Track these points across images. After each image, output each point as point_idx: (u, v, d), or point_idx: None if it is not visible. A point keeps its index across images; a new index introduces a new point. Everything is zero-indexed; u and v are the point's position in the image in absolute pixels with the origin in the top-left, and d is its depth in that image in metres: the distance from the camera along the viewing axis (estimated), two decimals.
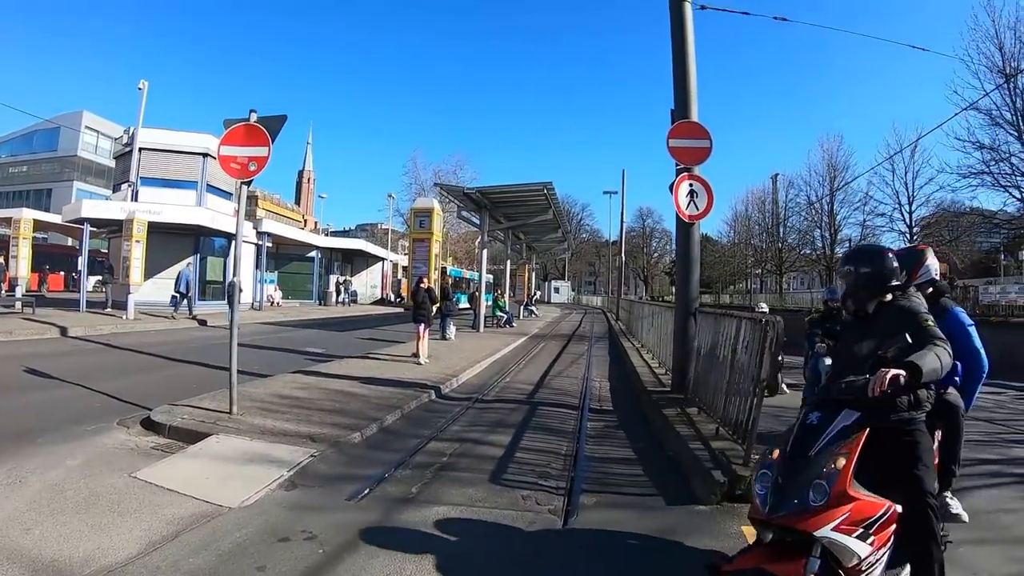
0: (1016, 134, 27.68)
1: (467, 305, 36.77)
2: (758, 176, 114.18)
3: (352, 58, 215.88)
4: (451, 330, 19.80)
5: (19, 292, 23.75)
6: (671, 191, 9.44)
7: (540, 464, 6.58)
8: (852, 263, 3.72)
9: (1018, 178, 28.32)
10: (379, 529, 4.68)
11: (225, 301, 25.66)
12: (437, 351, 15.60)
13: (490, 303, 30.61)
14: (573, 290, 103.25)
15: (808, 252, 50.36)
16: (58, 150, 56.37)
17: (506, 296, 31.93)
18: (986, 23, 27.92)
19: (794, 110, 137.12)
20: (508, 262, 35.16)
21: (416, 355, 14.10)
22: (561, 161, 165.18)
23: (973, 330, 4.18)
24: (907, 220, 38.71)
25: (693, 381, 9.24)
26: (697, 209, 9.41)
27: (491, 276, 42.92)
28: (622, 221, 49.72)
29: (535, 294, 45.92)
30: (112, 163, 38.20)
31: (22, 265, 24.80)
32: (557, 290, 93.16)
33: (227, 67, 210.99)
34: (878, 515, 2.90)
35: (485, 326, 26.00)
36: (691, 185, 9.37)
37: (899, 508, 3.03)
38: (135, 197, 26.04)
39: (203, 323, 22.48)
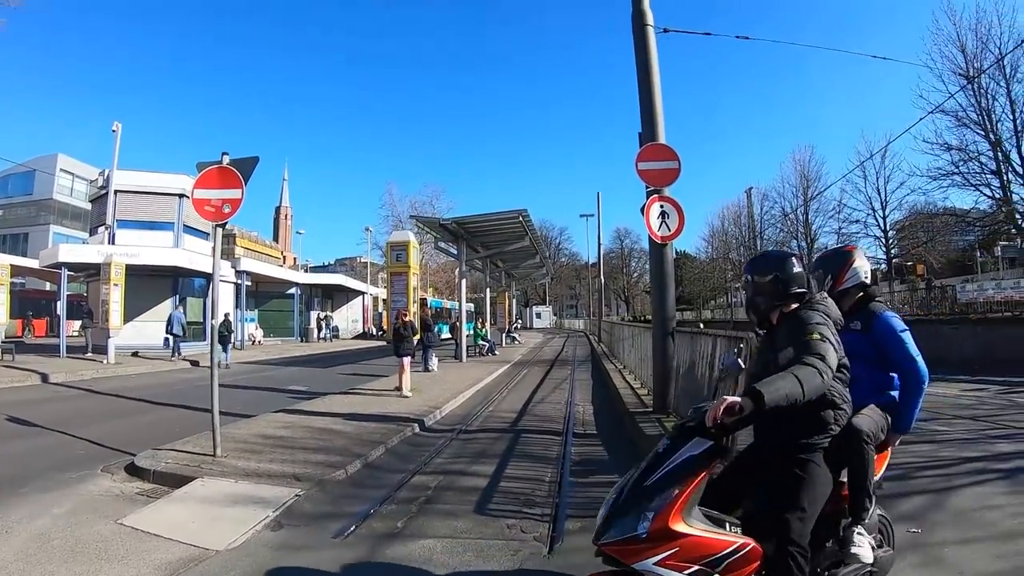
0: (983, 133, 28.47)
1: (449, 335, 36.79)
2: (733, 190, 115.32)
3: (325, 91, 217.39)
4: (433, 361, 19.80)
5: None
6: (643, 213, 9.59)
7: (525, 492, 6.63)
8: (750, 271, 3.52)
9: (988, 176, 29.08)
10: (366, 565, 4.72)
11: (206, 342, 25.87)
12: (420, 383, 15.60)
13: (471, 332, 30.67)
14: (555, 314, 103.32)
15: None
16: (33, 193, 55.84)
17: (487, 324, 31.97)
18: (948, 27, 28.81)
19: (766, 124, 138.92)
20: (488, 290, 35.30)
21: (399, 388, 14.09)
22: (538, 186, 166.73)
23: (907, 336, 3.73)
24: (881, 225, 39.48)
25: (675, 400, 9.35)
26: (669, 230, 9.55)
27: (471, 305, 43.02)
28: (599, 244, 50.07)
29: (516, 323, 45.93)
30: (88, 206, 38.05)
31: (0, 312, 24.55)
32: (539, 315, 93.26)
33: (200, 106, 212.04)
34: (726, 552, 2.68)
35: (468, 355, 25.99)
36: (662, 206, 9.52)
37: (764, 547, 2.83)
38: (112, 240, 25.97)
39: (195, 363, 22.53)
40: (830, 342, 2.97)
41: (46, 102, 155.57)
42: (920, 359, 3.64)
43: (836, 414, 3.13)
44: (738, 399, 2.59)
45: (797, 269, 3.34)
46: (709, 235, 64.39)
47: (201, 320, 29.17)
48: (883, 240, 39.57)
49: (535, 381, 19.00)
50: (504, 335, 39.32)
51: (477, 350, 29.20)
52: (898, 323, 3.75)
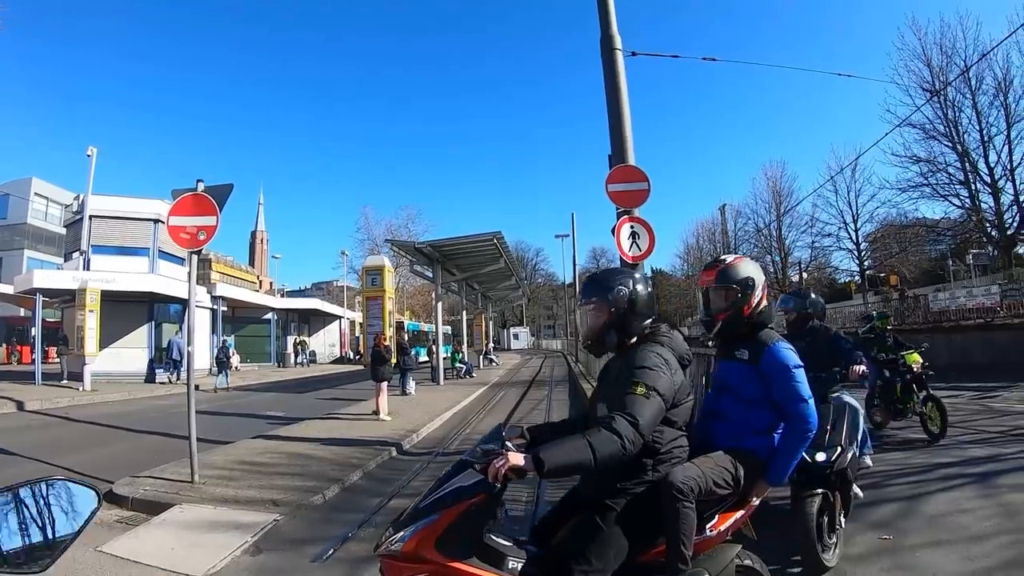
0: (950, 144, 29.14)
1: (426, 358, 36.77)
2: (708, 208, 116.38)
3: (300, 116, 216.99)
4: (411, 385, 19.79)
5: None
6: (613, 234, 9.75)
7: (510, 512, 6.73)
8: (583, 293, 3.20)
9: (956, 186, 29.71)
10: None
11: (181, 368, 25.69)
12: (398, 407, 15.64)
13: (448, 355, 30.66)
14: (532, 335, 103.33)
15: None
16: (7, 218, 55.15)
17: (464, 346, 32.02)
18: (913, 42, 29.51)
19: (738, 142, 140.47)
20: (464, 312, 35.36)
21: (377, 412, 14.13)
22: (513, 207, 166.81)
23: (800, 373, 3.24)
24: (853, 237, 39.91)
25: None
26: (640, 250, 9.68)
27: (448, 328, 43.02)
28: (575, 264, 50.17)
29: (490, 344, 45.94)
30: (63, 230, 37.76)
31: None
32: (516, 336, 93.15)
33: (176, 130, 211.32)
34: None
35: (445, 378, 25.97)
36: (632, 227, 9.66)
37: None
38: (87, 266, 25.74)
39: (196, 387, 22.30)
40: (656, 392, 2.69)
41: (20, 126, 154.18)
42: (811, 402, 3.19)
43: (656, 460, 2.82)
44: (522, 461, 2.45)
45: (638, 290, 3.04)
46: (684, 252, 65.10)
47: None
48: (856, 252, 40.12)
49: (512, 402, 19.09)
50: (481, 357, 39.28)
51: (455, 372, 29.21)
52: (790, 358, 3.28)
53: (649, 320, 3.08)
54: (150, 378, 25.91)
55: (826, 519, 4.36)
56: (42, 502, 1.59)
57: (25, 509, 1.55)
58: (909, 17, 32.09)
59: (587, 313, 3.09)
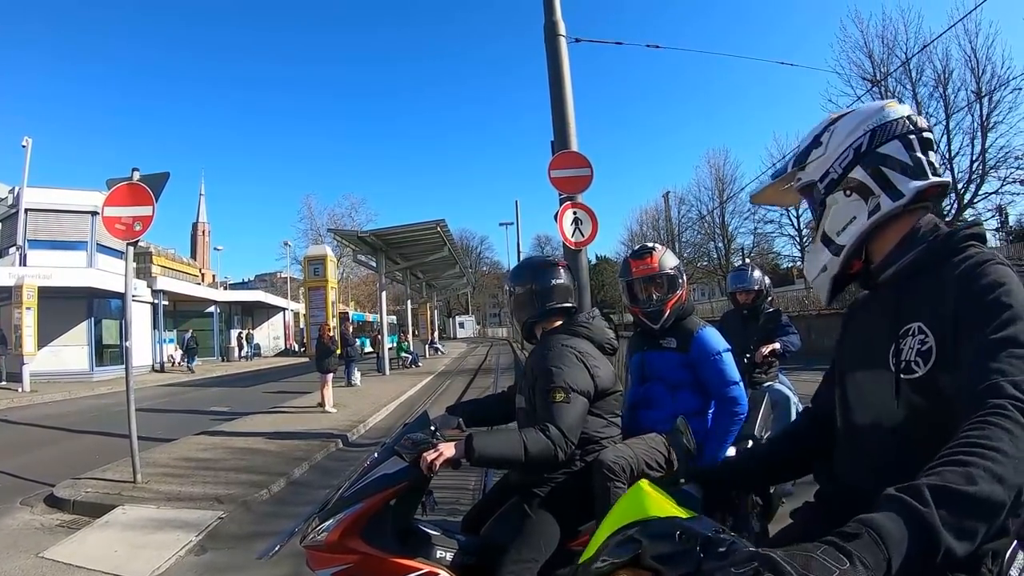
0: None
1: (371, 349, 36.56)
2: (651, 195, 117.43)
3: (241, 103, 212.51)
4: (356, 376, 19.78)
5: None
6: (556, 220, 9.83)
7: (449, 501, 6.79)
8: (508, 280, 3.29)
9: None
10: None
11: (123, 365, 25.10)
12: (343, 398, 15.61)
13: (394, 345, 30.59)
14: (478, 324, 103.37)
15: (705, 264, 51.85)
16: None
17: (410, 336, 31.98)
18: (855, 34, 30.03)
19: (681, 128, 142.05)
20: (409, 302, 35.26)
21: (322, 404, 14.08)
22: (457, 195, 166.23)
23: (727, 357, 3.34)
24: (795, 224, 40.73)
25: None
26: (583, 236, 9.77)
27: (393, 317, 42.82)
28: (519, 252, 50.17)
29: (436, 333, 45.93)
30: None
31: None
32: (462, 325, 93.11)
33: (113, 120, 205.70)
34: None
35: (391, 368, 25.96)
36: (575, 213, 9.73)
37: None
38: (23, 261, 24.82)
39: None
40: (575, 391, 2.66)
41: None
42: (739, 385, 3.29)
43: (584, 451, 2.78)
44: (454, 453, 2.41)
45: (558, 281, 3.05)
46: (628, 239, 65.38)
47: (118, 343, 28.15)
48: (798, 238, 40.91)
49: (459, 390, 19.18)
50: (427, 346, 39.36)
51: (400, 362, 29.22)
52: (716, 343, 3.37)
53: (563, 308, 3.05)
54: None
55: (730, 522, 4.13)
56: None
57: None
58: (852, 10, 32.66)
59: (515, 297, 3.12)
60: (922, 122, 1.59)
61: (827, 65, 28.83)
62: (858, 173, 1.58)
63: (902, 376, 1.43)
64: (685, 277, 3.61)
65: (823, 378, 1.91)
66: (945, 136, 28.41)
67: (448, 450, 2.41)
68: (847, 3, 33.98)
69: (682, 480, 1.92)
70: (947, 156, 28.55)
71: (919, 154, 1.55)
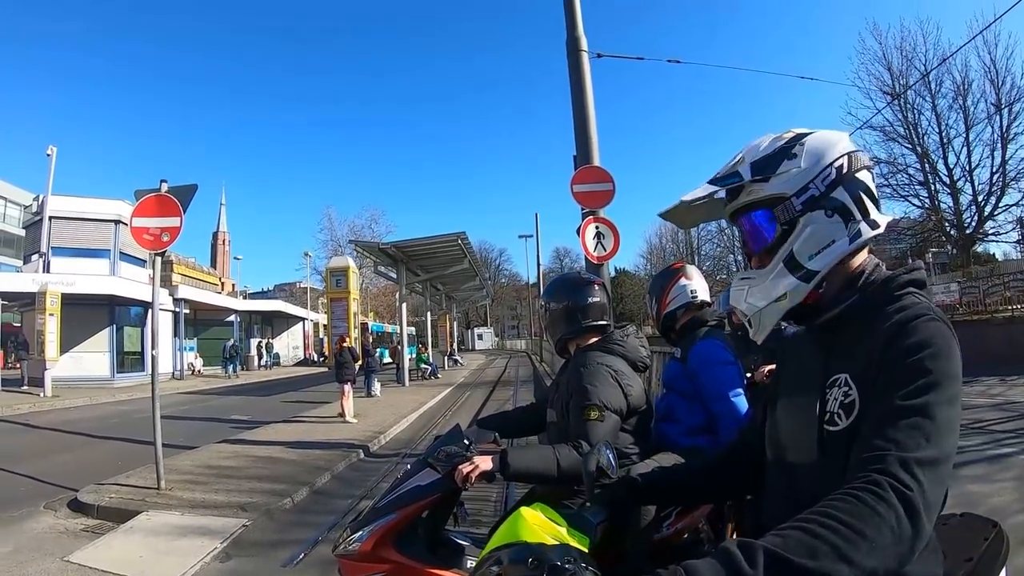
0: (910, 146, 29.71)
1: (391, 360, 36.61)
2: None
3: (262, 115, 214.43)
4: (376, 386, 19.76)
5: None
6: (578, 234, 9.81)
7: (472, 512, 6.76)
8: (544, 296, 3.27)
9: (916, 187, 30.31)
10: None
11: (144, 372, 25.41)
12: (363, 408, 15.67)
13: (413, 356, 30.60)
14: (497, 335, 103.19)
15: (724, 277, 51.57)
16: None
17: (429, 347, 31.99)
18: (874, 46, 30.05)
19: (700, 141, 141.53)
20: (429, 313, 35.28)
21: (342, 414, 14.10)
22: (477, 207, 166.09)
23: (728, 370, 3.19)
24: None
25: None
26: (604, 250, 9.74)
27: (413, 329, 42.86)
28: (539, 264, 50.20)
29: (455, 345, 45.94)
30: (22, 232, 36.95)
31: None
32: (480, 337, 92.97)
33: (137, 129, 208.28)
34: None
35: (410, 379, 25.91)
36: (597, 227, 9.70)
37: None
38: (47, 268, 25.15)
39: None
40: (608, 410, 2.68)
41: None
42: (739, 400, 3.10)
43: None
44: (490, 465, 2.44)
45: (594, 298, 3.05)
46: (648, 252, 65.39)
47: (140, 350, 28.51)
48: None
49: (478, 402, 19.20)
50: (446, 358, 39.33)
51: (420, 374, 29.13)
52: (718, 352, 3.22)
53: (599, 326, 3.06)
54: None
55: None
56: None
57: None
58: (870, 22, 32.57)
59: (550, 313, 3.12)
60: (870, 159, 1.54)
61: (847, 77, 28.73)
62: (839, 194, 1.47)
63: (824, 427, 1.40)
64: (673, 291, 3.54)
65: (756, 407, 1.87)
66: (965, 148, 28.31)
67: (483, 463, 2.43)
68: (866, 15, 33.82)
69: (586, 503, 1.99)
70: (967, 168, 28.37)
71: (873, 189, 1.51)
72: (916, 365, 1.23)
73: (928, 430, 1.17)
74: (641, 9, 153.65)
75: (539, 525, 1.66)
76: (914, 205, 31.55)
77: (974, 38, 20.13)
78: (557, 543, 1.47)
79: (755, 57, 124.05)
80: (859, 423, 1.29)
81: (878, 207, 1.48)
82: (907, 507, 1.08)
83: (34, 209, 28.15)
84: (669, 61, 12.95)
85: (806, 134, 1.54)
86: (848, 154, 1.48)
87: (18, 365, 24.44)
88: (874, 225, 1.46)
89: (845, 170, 1.47)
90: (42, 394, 20.53)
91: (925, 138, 29.82)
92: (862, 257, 1.51)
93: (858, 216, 1.46)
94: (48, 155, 25.65)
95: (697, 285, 3.50)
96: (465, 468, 2.41)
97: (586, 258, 9.92)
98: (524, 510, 1.70)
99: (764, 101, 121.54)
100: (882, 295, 1.41)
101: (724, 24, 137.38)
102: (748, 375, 4.53)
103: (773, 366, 4.78)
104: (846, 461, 1.27)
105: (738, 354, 3.41)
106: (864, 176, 1.48)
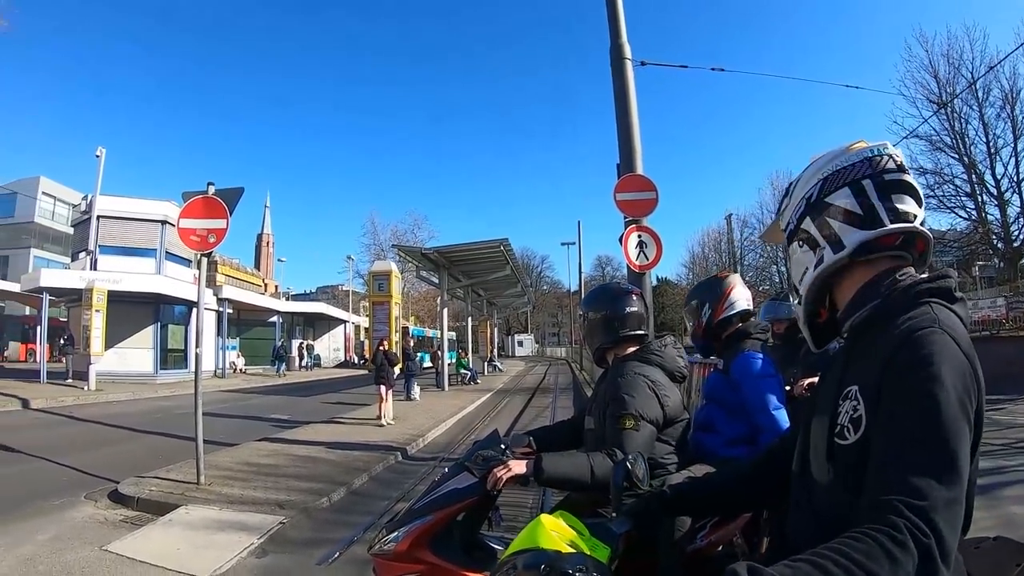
0: (957, 156, 28.97)
1: (430, 364, 36.72)
2: (714, 216, 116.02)
3: (308, 119, 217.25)
4: (415, 390, 19.80)
5: None
6: (621, 243, 9.70)
7: (508, 517, 6.69)
8: (583, 306, 3.29)
9: (963, 198, 29.56)
10: None
11: (186, 369, 25.81)
12: (402, 412, 15.69)
13: (453, 361, 30.62)
14: (537, 342, 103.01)
15: (767, 288, 50.95)
16: (15, 216, 55.08)
17: (469, 353, 32.02)
18: (920, 54, 29.34)
19: (744, 150, 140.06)
20: (469, 319, 35.34)
21: (381, 417, 14.15)
22: (519, 214, 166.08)
23: (768, 383, 3.14)
24: None
25: None
26: (647, 259, 9.63)
27: (453, 334, 42.99)
28: (580, 272, 50.02)
29: (495, 351, 45.96)
30: (70, 230, 37.87)
31: None
32: (520, 343, 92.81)
33: (184, 131, 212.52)
34: None
35: (449, 384, 25.89)
36: (640, 236, 9.60)
37: None
38: (94, 266, 25.82)
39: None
40: (645, 420, 2.70)
41: (29, 124, 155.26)
42: (780, 413, 3.04)
43: (652, 473, 2.54)
44: (524, 469, 2.45)
45: (632, 308, 3.07)
46: (690, 261, 64.79)
47: (183, 347, 29.07)
48: None
49: (517, 409, 19.10)
50: (486, 363, 39.38)
51: (459, 379, 29.17)
52: (759, 365, 3.19)
53: (637, 336, 3.07)
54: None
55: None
56: None
57: None
58: (916, 29, 31.92)
59: (589, 323, 3.14)
60: (889, 163, 1.48)
61: (892, 85, 28.17)
62: (807, 224, 1.56)
63: (835, 439, 1.36)
64: (719, 303, 3.49)
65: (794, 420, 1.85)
66: (1013, 158, 27.53)
67: (517, 467, 2.45)
68: (912, 22, 33.19)
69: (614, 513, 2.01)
70: (1015, 179, 27.62)
71: (874, 200, 1.45)
72: (919, 388, 1.19)
73: (939, 468, 1.13)
74: (687, 15, 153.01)
75: (558, 532, 1.68)
76: (960, 217, 30.62)
77: (1022, 44, 19.57)
78: (574, 551, 1.50)
79: (798, 64, 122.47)
80: (866, 440, 1.25)
81: (858, 223, 1.46)
82: (924, 554, 1.05)
83: (83, 208, 28.82)
84: (713, 69, 12.69)
85: (813, 162, 1.61)
86: (824, 177, 1.52)
87: (63, 359, 24.91)
88: (838, 247, 1.47)
89: (813, 198, 1.54)
90: (86, 388, 21.03)
91: (972, 148, 28.96)
92: (871, 270, 1.48)
93: (822, 243, 1.51)
94: (97, 156, 26.27)
95: (744, 295, 3.49)
96: (499, 471, 2.42)
97: (628, 267, 9.82)
98: (544, 517, 1.73)
99: (810, 109, 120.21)
100: (900, 303, 1.37)
101: (774, 31, 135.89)
102: (787, 388, 4.40)
103: (812, 380, 4.71)
104: (856, 476, 1.25)
105: (778, 367, 3.34)
106: (838, 196, 1.49)
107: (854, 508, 1.19)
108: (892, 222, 1.43)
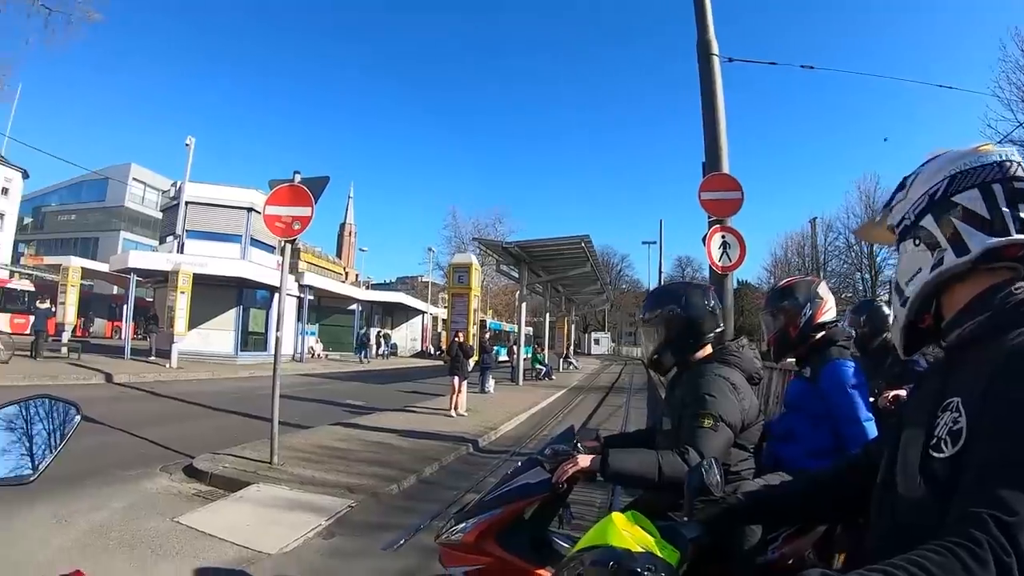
0: None
1: (506, 358, 36.77)
2: (798, 220, 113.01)
3: (394, 113, 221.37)
4: (490, 383, 19.79)
5: (65, 337, 24.21)
6: (704, 243, 9.46)
7: (577, 515, 6.54)
8: (642, 310, 3.10)
9: None
10: None
11: (266, 352, 26.42)
12: (476, 404, 15.69)
13: (529, 356, 30.55)
14: (613, 341, 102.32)
15: (849, 295, 49.32)
16: (106, 200, 57.62)
17: (545, 348, 31.89)
18: (1016, 53, 27.58)
19: (832, 153, 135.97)
20: (547, 314, 35.22)
21: (455, 408, 14.20)
22: (600, 212, 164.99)
23: (856, 393, 3.03)
24: None
25: None
26: (730, 260, 9.38)
27: (530, 329, 42.93)
28: (660, 272, 49.46)
29: (571, 348, 45.76)
30: (158, 215, 39.42)
31: (69, 311, 25.41)
32: (597, 342, 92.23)
33: (271, 121, 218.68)
34: None
35: (524, 379, 25.93)
36: (723, 237, 9.36)
37: None
38: (181, 249, 26.82)
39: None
40: (723, 422, 2.59)
41: (122, 113, 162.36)
42: (870, 424, 2.96)
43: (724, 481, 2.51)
44: (589, 463, 2.43)
45: (712, 305, 2.95)
46: (772, 265, 62.85)
47: (263, 331, 29.86)
48: None
49: (590, 407, 18.92)
50: (561, 360, 39.18)
51: (534, 374, 29.10)
52: (850, 373, 3.07)
53: (713, 337, 2.97)
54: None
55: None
56: (28, 419, 1.65)
57: (12, 426, 1.62)
58: (1011, 28, 30.23)
59: (646, 330, 3.03)
60: (1019, 170, 1.35)
61: (987, 87, 26.65)
62: (927, 222, 1.42)
63: (930, 452, 1.26)
64: (810, 309, 3.32)
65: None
66: None
67: (584, 461, 2.44)
68: (1006, 20, 31.37)
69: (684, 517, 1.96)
70: None
71: (1004, 207, 1.32)
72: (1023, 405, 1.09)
73: None
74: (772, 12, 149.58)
75: (628, 531, 1.65)
76: None
77: None
78: (644, 551, 1.45)
79: (903, 65, 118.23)
80: (964, 455, 1.16)
81: (987, 228, 1.33)
82: (1003, 573, 0.96)
83: (172, 194, 29.93)
84: (802, 67, 12.22)
85: (933, 158, 1.49)
86: (952, 175, 1.40)
87: (148, 337, 25.83)
88: (962, 251, 1.34)
89: (938, 195, 1.41)
90: (168, 365, 21.76)
91: None
92: (987, 279, 1.35)
93: (944, 244, 1.38)
94: (187, 145, 27.34)
95: (831, 300, 3.37)
96: (566, 464, 2.44)
97: (710, 267, 9.58)
98: (615, 515, 1.69)
99: (907, 110, 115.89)
100: (1011, 317, 1.26)
101: (862, 36, 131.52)
102: (871, 399, 4.15)
103: (897, 392, 4.44)
104: (948, 492, 1.15)
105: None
106: (966, 197, 1.36)
107: (942, 522, 1.10)
108: (1018, 232, 1.31)
